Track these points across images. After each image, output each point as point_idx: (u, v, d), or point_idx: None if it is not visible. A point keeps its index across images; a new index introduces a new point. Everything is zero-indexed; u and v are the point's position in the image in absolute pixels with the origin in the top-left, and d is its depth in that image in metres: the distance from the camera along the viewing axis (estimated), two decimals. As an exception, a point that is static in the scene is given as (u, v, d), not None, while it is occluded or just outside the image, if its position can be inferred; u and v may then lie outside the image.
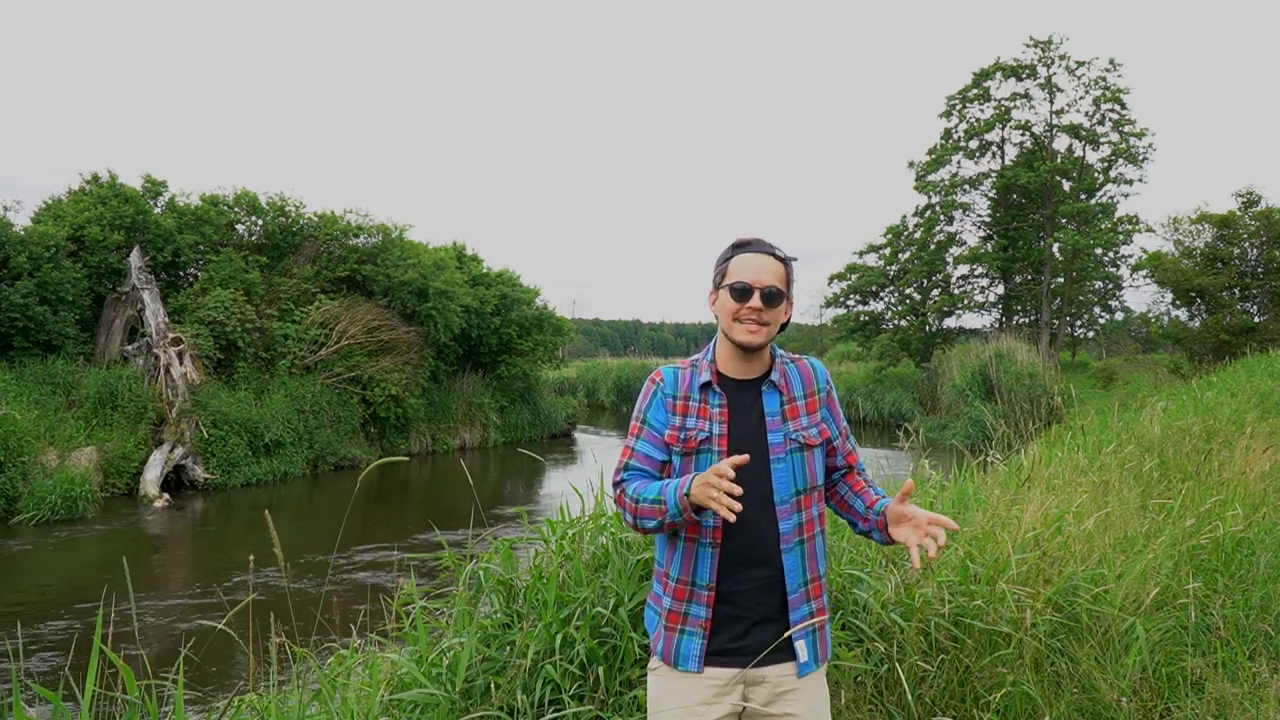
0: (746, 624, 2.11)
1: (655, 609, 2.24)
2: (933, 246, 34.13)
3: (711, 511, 2.08)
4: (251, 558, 2.97)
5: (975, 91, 33.57)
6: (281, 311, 19.78)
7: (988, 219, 34.64)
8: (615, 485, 2.19)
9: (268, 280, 20.14)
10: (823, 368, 2.27)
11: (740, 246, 2.17)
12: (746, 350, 2.13)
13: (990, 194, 34.32)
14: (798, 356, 2.27)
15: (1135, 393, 15.32)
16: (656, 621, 2.22)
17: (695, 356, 2.25)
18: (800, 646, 2.11)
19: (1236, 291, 24.18)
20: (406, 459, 3.05)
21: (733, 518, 1.84)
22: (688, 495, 1.94)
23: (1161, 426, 7.15)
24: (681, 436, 2.14)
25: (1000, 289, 35.61)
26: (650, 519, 2.05)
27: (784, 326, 2.24)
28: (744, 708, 2.14)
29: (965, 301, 34.62)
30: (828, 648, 2.22)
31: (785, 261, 2.17)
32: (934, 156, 34.34)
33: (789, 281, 2.17)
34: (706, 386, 2.16)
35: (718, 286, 2.17)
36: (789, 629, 2.11)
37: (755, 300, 2.09)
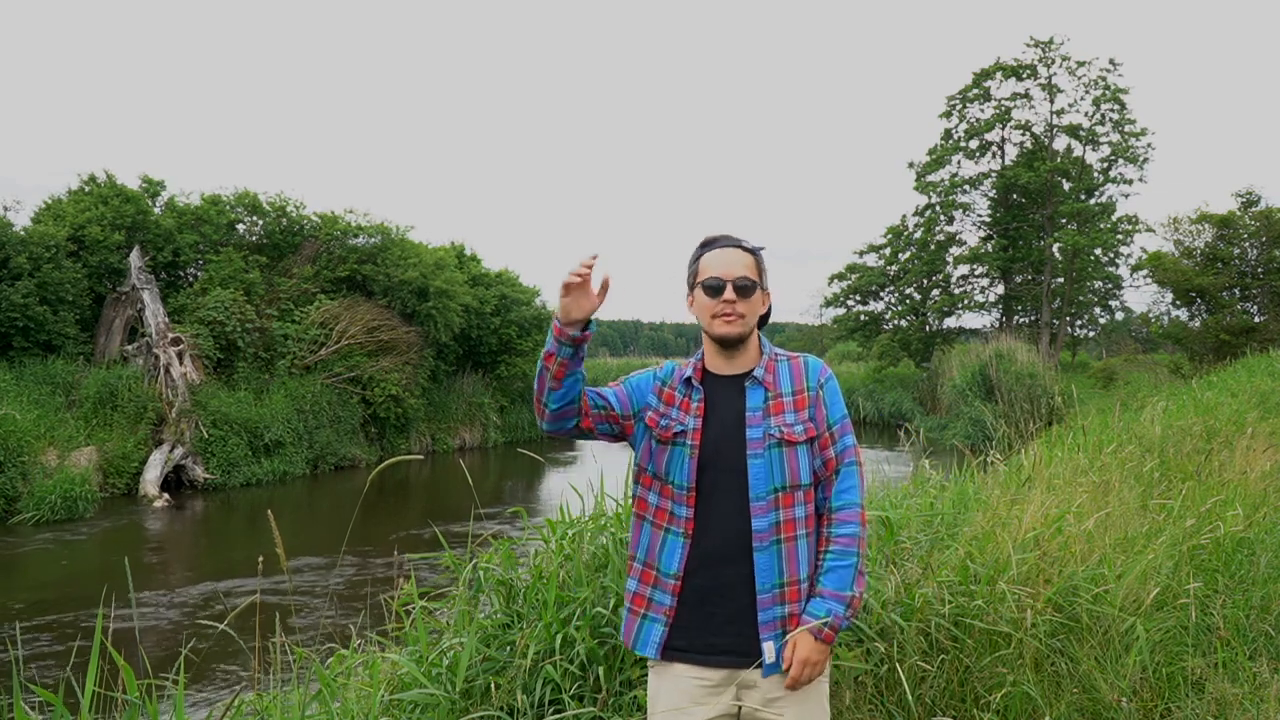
0: (718, 620, 2.09)
1: (626, 597, 2.24)
2: (933, 246, 34.13)
3: (683, 503, 2.09)
4: (261, 559, 2.97)
5: (975, 91, 33.58)
6: (281, 311, 19.77)
7: (988, 219, 34.65)
8: None
9: (268, 280, 20.14)
10: (818, 364, 2.21)
11: (708, 245, 2.20)
12: (727, 343, 2.14)
13: (990, 194, 34.32)
14: (795, 354, 2.23)
15: (1135, 393, 15.31)
16: (626, 609, 2.22)
17: (694, 356, 2.27)
18: (768, 648, 2.06)
19: (1236, 291, 24.18)
20: (420, 457, 3.05)
21: (575, 280, 1.95)
22: (556, 312, 2.02)
23: (1162, 426, 7.14)
24: (661, 423, 2.16)
25: (1000, 289, 35.61)
26: (543, 367, 2.06)
27: (766, 319, 2.24)
28: (739, 708, 2.13)
29: (965, 301, 34.63)
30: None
31: (754, 252, 2.19)
32: (934, 157, 34.34)
33: (760, 271, 2.19)
34: (689, 381, 2.19)
35: (692, 288, 2.20)
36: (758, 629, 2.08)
37: (728, 293, 2.11)
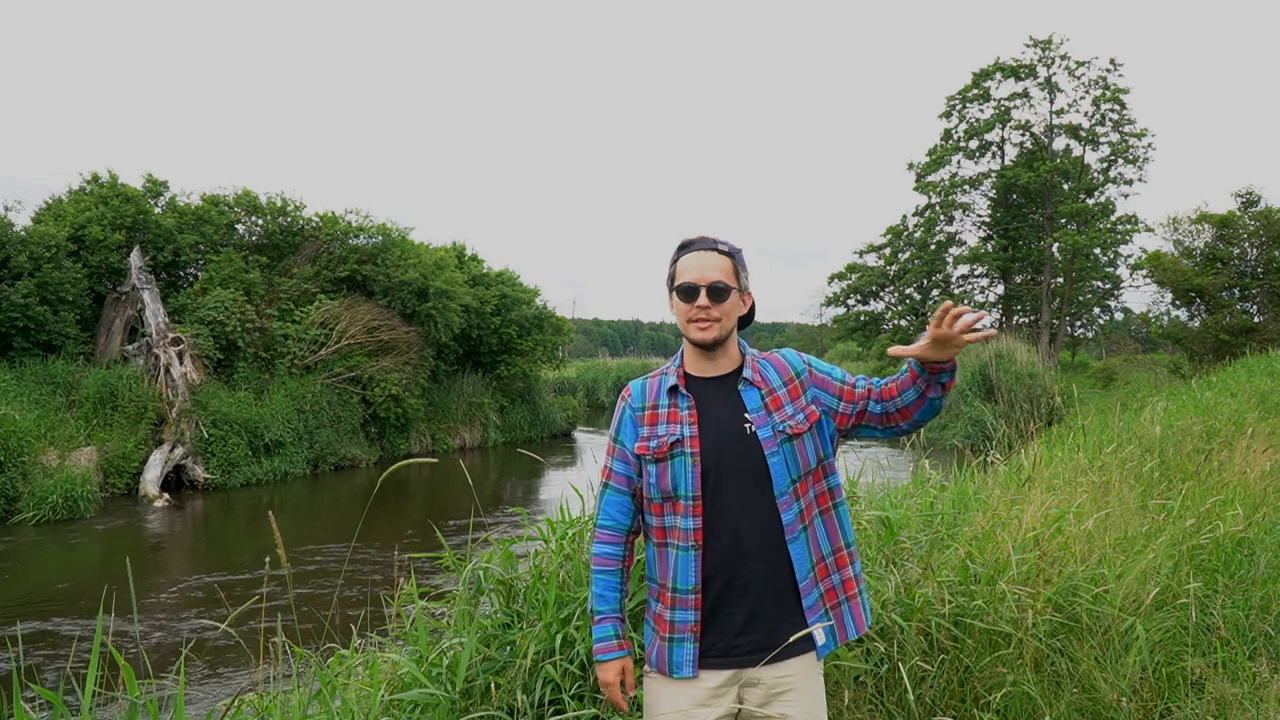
0: (739, 620, 2.10)
1: (649, 620, 2.24)
2: (933, 246, 34.16)
3: (690, 514, 2.10)
4: (268, 559, 2.97)
5: (975, 92, 33.60)
6: (281, 311, 19.77)
7: (988, 219, 34.67)
8: (597, 507, 2.27)
9: (268, 280, 20.13)
10: (794, 353, 2.24)
11: (684, 247, 2.19)
12: (704, 348, 2.15)
13: (990, 194, 34.35)
14: (769, 352, 2.25)
15: (1135, 393, 15.32)
16: (650, 632, 2.22)
17: (666, 364, 2.26)
18: (818, 630, 2.10)
19: (1236, 291, 24.20)
20: (435, 460, 3.02)
21: (623, 706, 2.15)
22: (596, 660, 2.19)
23: (1162, 426, 7.14)
24: (652, 445, 2.14)
25: (1000, 289, 35.66)
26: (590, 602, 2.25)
27: (748, 321, 2.24)
28: (739, 709, 2.13)
29: (965, 301, 34.62)
30: (847, 627, 2.18)
31: (730, 254, 2.17)
32: (934, 157, 34.37)
33: (737, 273, 2.17)
34: (674, 390, 2.18)
35: (671, 290, 2.19)
36: (782, 624, 2.09)
37: (702, 298, 2.11)
